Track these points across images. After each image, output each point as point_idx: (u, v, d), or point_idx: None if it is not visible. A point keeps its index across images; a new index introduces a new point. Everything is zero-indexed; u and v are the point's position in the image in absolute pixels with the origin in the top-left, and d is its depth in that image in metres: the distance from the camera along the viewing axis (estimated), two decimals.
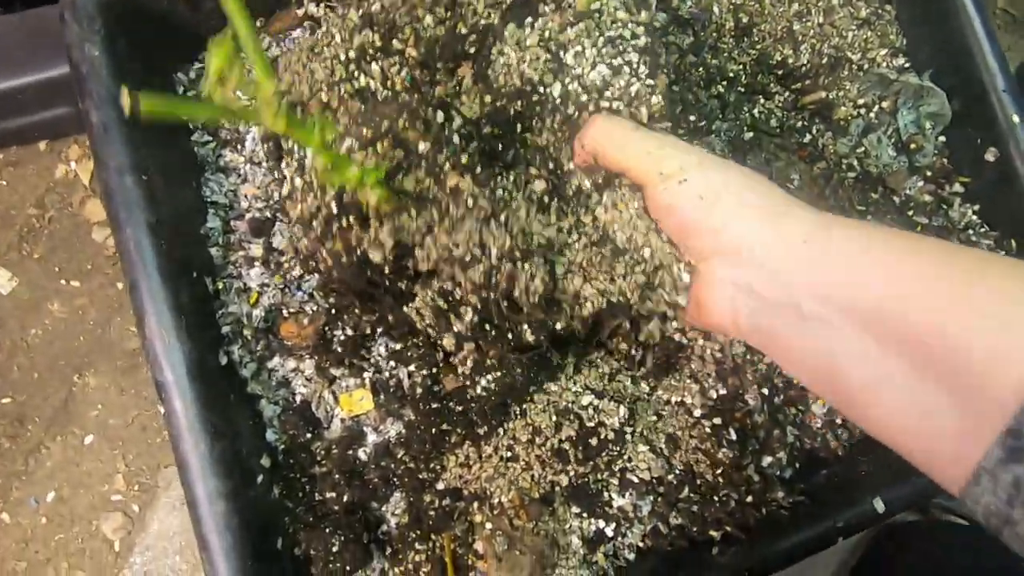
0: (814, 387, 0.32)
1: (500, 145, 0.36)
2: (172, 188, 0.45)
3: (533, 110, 0.37)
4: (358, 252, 0.35)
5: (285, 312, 0.46)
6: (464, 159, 0.34)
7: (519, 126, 0.37)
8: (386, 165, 0.33)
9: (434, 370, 0.44)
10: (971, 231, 0.60)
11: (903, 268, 0.27)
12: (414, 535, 0.44)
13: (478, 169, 0.34)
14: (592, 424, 0.44)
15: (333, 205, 0.34)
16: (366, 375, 0.46)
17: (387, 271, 0.36)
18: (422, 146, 0.33)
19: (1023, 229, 0.58)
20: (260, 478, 0.43)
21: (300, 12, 0.51)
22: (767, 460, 0.50)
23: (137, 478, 0.59)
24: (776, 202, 0.31)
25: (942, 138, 0.61)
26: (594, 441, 0.44)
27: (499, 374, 0.42)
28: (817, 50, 0.59)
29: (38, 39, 0.55)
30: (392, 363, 0.45)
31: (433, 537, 0.44)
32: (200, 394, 0.40)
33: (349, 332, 0.45)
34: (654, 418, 0.46)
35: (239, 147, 0.49)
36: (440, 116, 0.35)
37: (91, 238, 0.61)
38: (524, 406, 0.44)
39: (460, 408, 0.43)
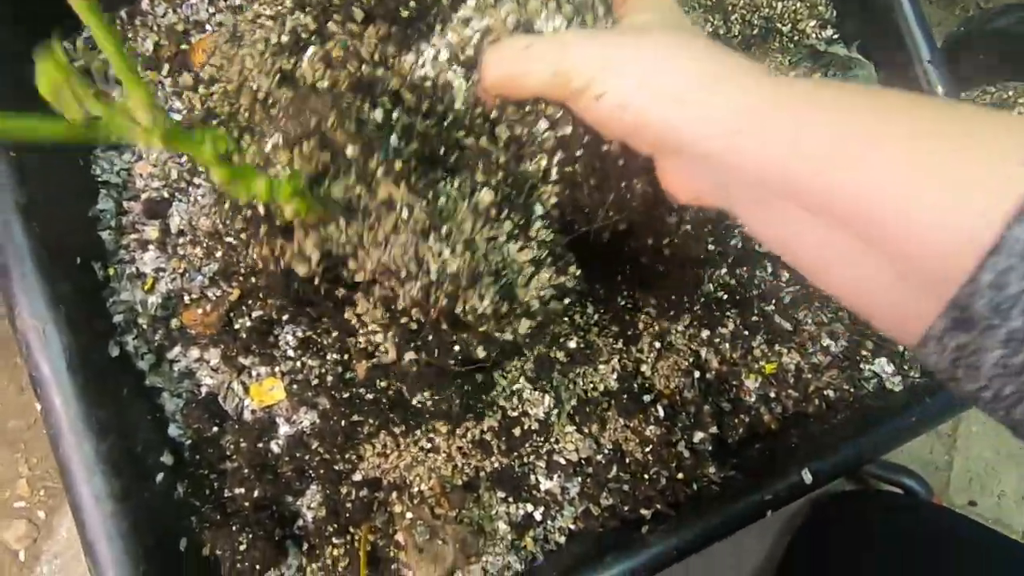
0: (780, 255, 0.30)
1: (442, 148, 0.33)
2: (53, 166, 0.41)
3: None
4: (282, 263, 0.32)
5: (186, 298, 0.43)
6: (398, 165, 0.30)
7: (459, 127, 0.33)
8: (312, 169, 0.29)
9: (346, 356, 0.42)
10: None
11: (830, 132, 0.24)
12: (331, 529, 0.42)
13: (414, 177, 0.31)
14: (516, 414, 0.43)
15: (255, 210, 0.31)
16: (277, 363, 0.43)
17: (316, 282, 0.32)
18: (351, 149, 0.30)
19: None
20: (160, 476, 0.40)
21: None
22: (699, 436, 0.49)
23: (42, 482, 0.55)
24: (700, 78, 0.27)
25: None
26: (517, 431, 0.43)
27: (433, 392, 0.39)
28: (747, 21, 0.58)
29: None
30: (302, 350, 0.42)
31: (352, 530, 0.42)
32: (83, 389, 0.37)
33: (256, 317, 0.42)
34: (579, 398, 0.45)
35: None
36: (378, 115, 0.31)
37: None
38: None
39: (376, 396, 0.41)
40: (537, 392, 0.44)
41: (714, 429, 0.50)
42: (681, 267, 0.49)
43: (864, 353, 0.55)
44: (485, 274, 0.31)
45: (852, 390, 0.55)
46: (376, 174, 0.30)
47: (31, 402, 0.56)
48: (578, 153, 0.32)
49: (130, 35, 0.47)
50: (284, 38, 0.34)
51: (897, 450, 0.80)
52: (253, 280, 0.41)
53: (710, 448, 0.50)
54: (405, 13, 0.34)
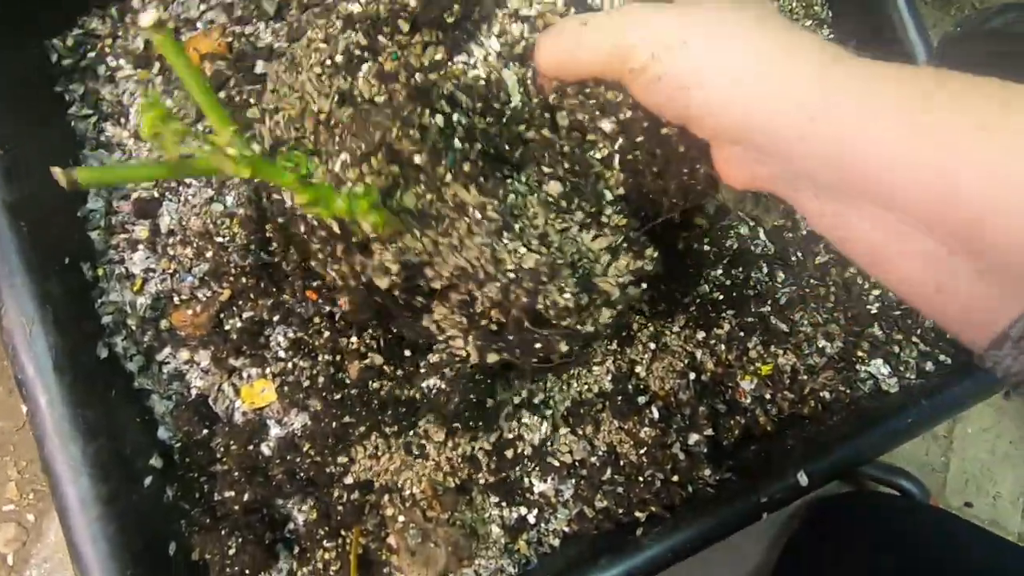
0: (835, 244, 0.29)
1: (506, 144, 0.33)
2: (43, 164, 0.41)
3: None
4: (363, 279, 0.32)
5: (175, 299, 0.42)
6: (467, 167, 0.30)
7: (519, 122, 0.33)
8: (383, 182, 0.29)
9: (338, 357, 0.41)
10: None
11: (907, 130, 0.22)
12: (323, 532, 0.41)
13: (482, 178, 0.30)
14: (511, 436, 0.42)
15: (330, 230, 0.31)
16: (268, 365, 0.42)
17: (398, 293, 0.32)
18: (418, 158, 0.29)
19: None
20: (149, 479, 0.39)
21: None
22: (694, 438, 0.49)
23: (31, 485, 0.55)
24: (768, 62, 0.25)
25: None
26: (510, 454, 0.42)
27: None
28: None
29: None
30: (294, 351, 0.42)
31: (343, 533, 0.42)
32: (70, 390, 0.36)
33: (247, 318, 0.42)
34: (573, 399, 0.45)
35: (122, 120, 0.45)
36: (439, 120, 0.30)
37: None
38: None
39: (367, 397, 0.41)
40: (536, 417, 0.43)
41: (709, 431, 0.50)
42: (678, 266, 0.49)
43: (860, 354, 0.55)
44: (563, 266, 0.30)
45: (848, 391, 0.55)
46: (445, 179, 0.30)
47: (20, 404, 0.55)
48: (638, 139, 0.31)
49: (120, 32, 0.47)
50: (339, 58, 0.33)
51: (893, 452, 0.79)
52: (244, 281, 0.41)
53: (705, 450, 0.50)
54: (451, 18, 0.34)
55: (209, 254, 0.42)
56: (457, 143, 0.30)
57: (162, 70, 0.46)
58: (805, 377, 0.54)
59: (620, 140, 0.32)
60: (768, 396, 0.53)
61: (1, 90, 0.40)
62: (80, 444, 0.35)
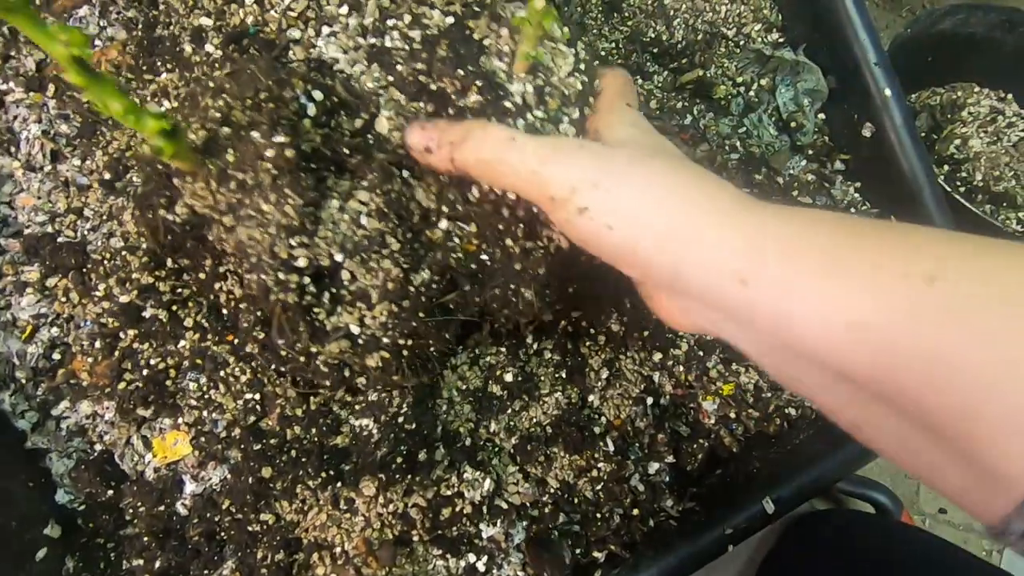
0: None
1: (347, 150, 0.29)
2: None
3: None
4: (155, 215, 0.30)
5: (73, 347, 0.38)
6: (289, 152, 0.27)
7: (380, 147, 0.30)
8: (201, 127, 0.27)
9: (257, 402, 0.37)
10: (853, 209, 0.58)
11: (841, 289, 0.22)
12: None
13: (303, 173, 0.28)
14: (449, 493, 0.38)
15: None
16: (180, 415, 0.38)
17: (184, 234, 0.30)
18: (254, 132, 0.27)
19: (900, 205, 0.57)
20: (43, 552, 0.35)
21: None
22: (654, 467, 0.46)
23: None
24: (697, 212, 0.25)
25: (821, 115, 0.60)
26: (447, 512, 0.38)
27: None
28: (691, 26, 0.56)
29: None
30: (207, 397, 0.38)
31: None
32: None
33: (154, 365, 0.38)
34: (520, 435, 0.41)
35: (13, 150, 0.41)
36: (299, 98, 0.28)
37: None
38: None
39: (288, 446, 0.37)
40: (479, 472, 0.40)
41: (671, 458, 0.47)
42: (629, 287, 0.46)
43: None
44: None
45: (813, 408, 0.53)
46: (264, 152, 0.27)
47: None
48: (483, 231, 0.31)
49: (11, 52, 0.43)
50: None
51: (873, 467, 0.78)
52: (149, 320, 0.37)
53: (667, 479, 0.47)
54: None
55: (108, 294, 0.37)
56: (306, 125, 0.28)
57: (57, 91, 0.42)
58: (769, 394, 0.52)
59: (472, 226, 0.30)
60: (733, 415, 0.51)
61: None
62: None
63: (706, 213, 0.25)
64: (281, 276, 0.26)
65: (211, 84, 0.27)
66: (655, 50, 0.56)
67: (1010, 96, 0.73)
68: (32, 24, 0.20)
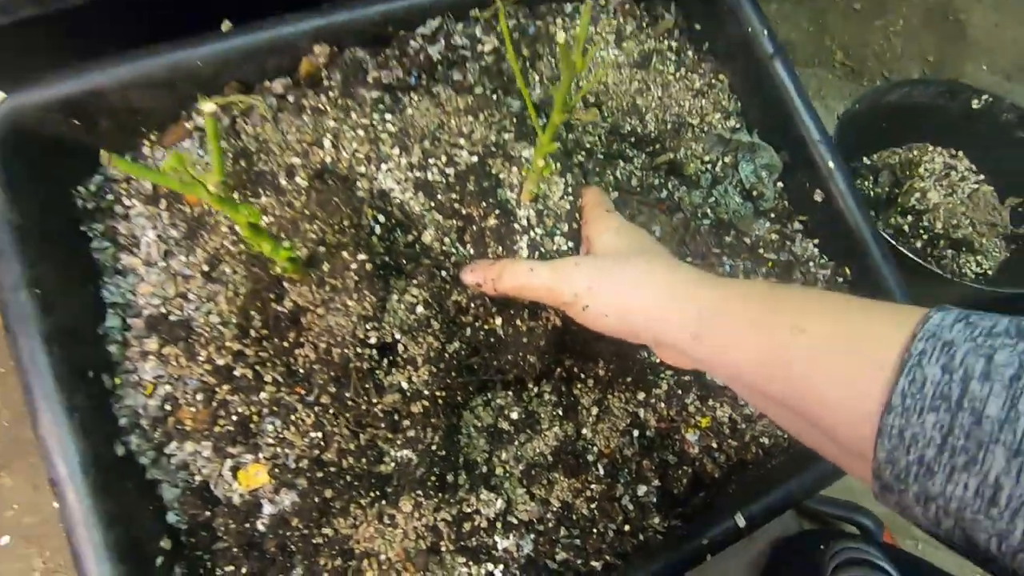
0: None
1: (403, 259, 0.42)
2: (70, 295, 0.49)
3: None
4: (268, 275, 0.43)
5: (180, 400, 0.50)
6: (369, 266, 0.40)
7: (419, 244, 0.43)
8: (308, 250, 0.40)
9: (320, 440, 0.48)
10: (811, 263, 0.68)
11: (753, 341, 0.33)
12: None
13: (375, 279, 0.41)
14: (469, 510, 0.48)
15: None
16: (260, 451, 0.49)
17: (281, 319, 0.42)
18: (345, 252, 0.40)
19: (853, 259, 0.66)
20: (160, 560, 0.46)
21: (189, 125, 0.57)
22: (642, 489, 0.55)
23: (55, 575, 0.60)
24: (663, 296, 0.37)
25: (780, 184, 0.70)
26: (467, 526, 0.48)
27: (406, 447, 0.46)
28: (661, 119, 0.68)
29: None
30: (281, 436, 0.49)
31: None
32: (94, 486, 0.43)
33: (241, 413, 0.49)
34: (527, 462, 0.51)
35: (135, 250, 0.54)
36: (370, 222, 0.41)
37: (3, 341, 0.64)
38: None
39: (343, 472, 0.47)
40: (492, 494, 0.49)
41: (657, 482, 0.56)
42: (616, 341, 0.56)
43: None
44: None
45: (785, 436, 0.61)
46: (350, 265, 0.39)
47: (44, 499, 0.62)
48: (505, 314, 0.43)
49: (130, 176, 0.56)
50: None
51: (857, 489, 0.84)
52: (237, 379, 0.49)
53: (655, 500, 0.55)
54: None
55: (207, 358, 0.49)
56: (374, 241, 0.40)
57: (168, 205, 0.55)
58: (744, 426, 0.60)
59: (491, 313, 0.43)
60: (715, 445, 0.59)
61: (37, 239, 0.49)
62: (102, 533, 0.42)
63: (670, 297, 0.38)
64: (359, 350, 0.38)
65: (307, 212, 0.39)
66: (632, 139, 0.68)
67: (961, 153, 0.82)
68: (230, 206, 0.32)
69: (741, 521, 0.53)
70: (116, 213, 0.55)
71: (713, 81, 0.71)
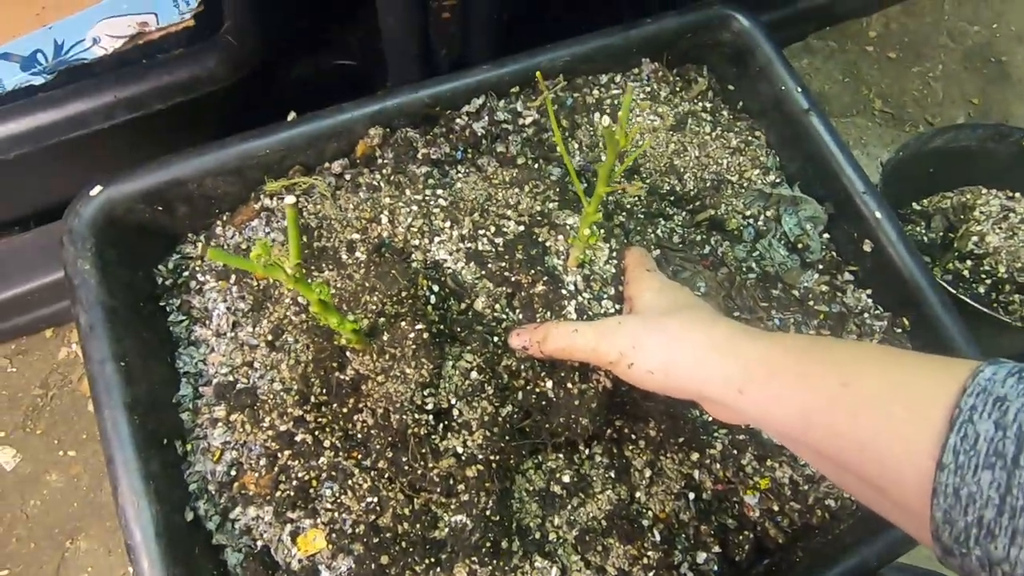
0: None
1: (458, 328, 0.45)
2: (150, 366, 0.53)
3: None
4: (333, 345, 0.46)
5: (245, 465, 0.52)
6: (426, 335, 0.42)
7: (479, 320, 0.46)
8: (366, 322, 0.43)
9: (375, 505, 0.49)
10: (866, 314, 0.66)
11: (798, 395, 0.33)
12: None
13: (432, 346, 0.43)
14: None
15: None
16: (318, 516, 0.51)
17: (343, 386, 0.44)
18: (403, 321, 0.43)
19: (910, 309, 0.64)
20: None
21: (257, 206, 0.62)
22: (702, 556, 0.53)
23: None
24: (704, 351, 0.37)
25: (826, 235, 0.70)
26: None
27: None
28: (699, 177, 0.69)
29: (47, 249, 0.66)
30: (339, 501, 0.50)
31: None
32: (165, 552, 0.45)
33: (300, 478, 0.51)
34: (580, 527, 0.50)
35: (207, 322, 0.58)
36: (432, 297, 0.44)
37: (87, 410, 0.69)
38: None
39: (399, 539, 0.48)
40: (547, 562, 0.49)
41: (717, 548, 0.53)
42: (667, 400, 0.56)
43: None
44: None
45: (853, 498, 0.58)
46: (408, 335, 0.41)
47: (117, 562, 0.64)
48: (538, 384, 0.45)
49: (205, 256, 0.61)
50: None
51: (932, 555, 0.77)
52: (300, 441, 0.51)
53: (715, 567, 0.53)
54: None
55: (270, 424, 0.52)
56: (429, 310, 0.41)
57: (237, 279, 0.59)
58: (806, 487, 0.57)
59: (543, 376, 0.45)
60: (776, 508, 0.57)
61: (123, 314, 0.53)
62: None
63: (712, 350, 0.38)
64: (416, 416, 0.39)
65: (367, 284, 0.42)
66: (672, 198, 0.69)
67: (1018, 194, 0.80)
68: (304, 286, 0.35)
69: None
70: (191, 288, 0.60)
71: (750, 138, 0.72)
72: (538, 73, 0.44)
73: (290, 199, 0.31)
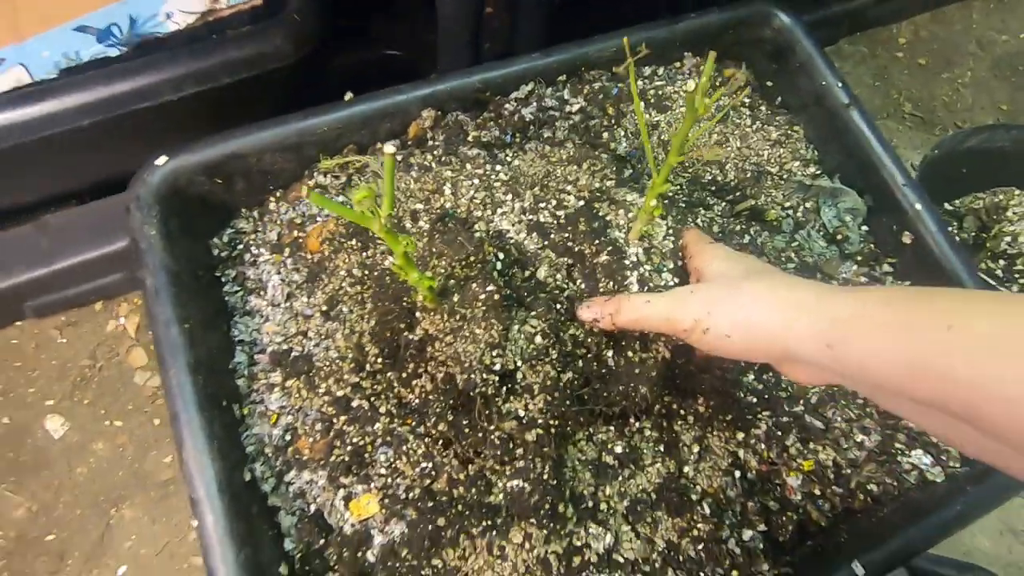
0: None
1: (524, 292, 0.46)
2: (208, 332, 0.55)
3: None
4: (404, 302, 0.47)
5: (300, 431, 0.53)
6: (496, 296, 0.43)
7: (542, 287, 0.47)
8: (442, 282, 0.44)
9: (430, 470, 0.50)
10: None
11: (902, 344, 0.32)
12: None
13: (501, 308, 0.44)
14: (579, 544, 0.48)
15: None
16: (372, 481, 0.51)
17: (409, 347, 0.45)
18: (473, 283, 0.44)
19: None
20: None
21: (311, 183, 0.64)
22: (748, 534, 0.53)
23: None
24: (786, 309, 0.37)
25: (864, 227, 0.71)
26: (577, 560, 0.48)
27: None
28: (740, 168, 0.71)
29: (101, 223, 0.68)
30: (393, 466, 0.51)
31: None
32: (228, 508, 0.46)
33: (355, 443, 0.52)
34: (631, 499, 0.51)
35: (262, 293, 0.59)
36: (499, 264, 0.46)
37: (133, 382, 0.70)
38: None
39: (454, 504, 0.49)
40: (600, 528, 0.49)
41: (762, 527, 0.54)
42: (713, 376, 0.57)
43: (899, 446, 0.59)
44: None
45: (895, 483, 0.58)
46: (479, 296, 0.42)
47: (161, 531, 0.65)
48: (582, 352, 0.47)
49: (259, 229, 0.63)
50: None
51: (975, 551, 0.78)
52: (356, 407, 0.51)
53: (761, 546, 0.53)
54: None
55: (327, 390, 0.53)
56: (495, 275, 0.42)
57: (291, 252, 0.61)
58: (849, 471, 0.58)
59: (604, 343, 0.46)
60: (818, 492, 0.57)
61: (185, 280, 0.55)
62: (234, 552, 0.44)
63: (797, 309, 0.37)
64: (484, 376, 0.40)
65: (433, 249, 0.44)
66: (713, 188, 0.71)
67: None
68: (392, 237, 0.36)
69: (859, 569, 0.50)
70: (245, 260, 0.61)
71: (789, 132, 0.73)
72: (624, 40, 0.45)
73: (390, 148, 0.32)
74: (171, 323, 0.51)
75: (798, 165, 0.71)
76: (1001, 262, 0.79)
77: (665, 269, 0.46)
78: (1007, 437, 0.28)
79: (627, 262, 0.45)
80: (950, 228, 0.84)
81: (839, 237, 0.70)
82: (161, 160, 0.57)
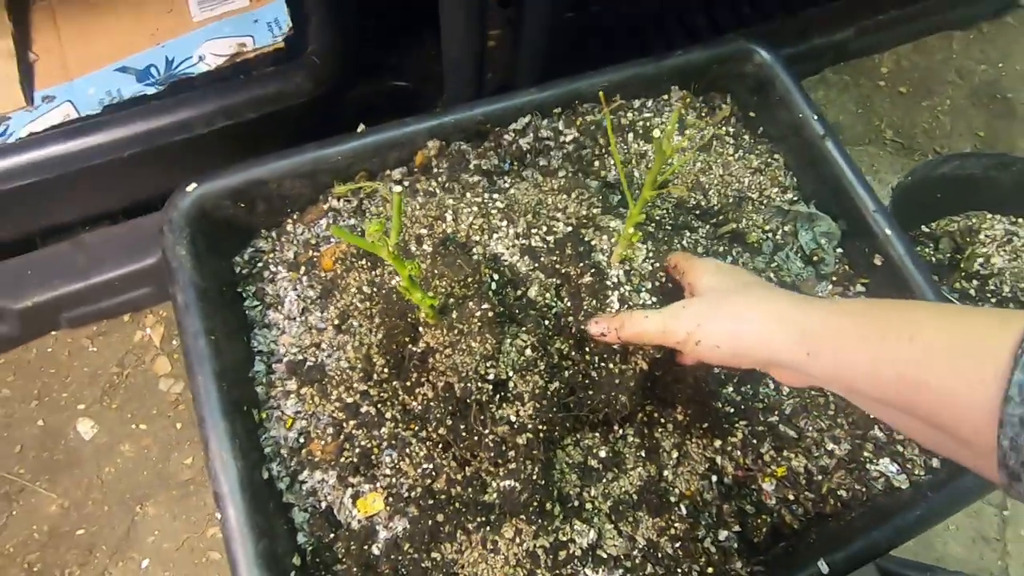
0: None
1: (516, 310, 0.51)
2: (230, 343, 0.60)
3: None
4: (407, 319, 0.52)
5: (312, 434, 0.58)
6: (490, 314, 0.48)
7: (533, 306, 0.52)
8: (441, 300, 0.49)
9: (431, 471, 0.55)
10: None
11: (865, 353, 0.36)
12: None
13: (494, 324, 0.49)
14: (565, 539, 0.53)
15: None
16: (378, 481, 0.56)
17: (412, 359, 0.50)
18: (471, 302, 0.49)
19: None
20: (292, 575, 0.52)
21: (325, 207, 0.70)
22: (723, 534, 0.57)
23: None
24: (770, 321, 0.41)
25: (839, 250, 0.75)
26: (563, 554, 0.52)
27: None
28: (723, 194, 0.76)
29: (132, 242, 0.74)
30: (397, 467, 0.56)
31: None
32: (248, 503, 0.51)
33: (363, 446, 0.57)
34: (614, 499, 0.55)
35: (279, 307, 0.65)
36: (487, 279, 0.51)
37: (158, 388, 0.75)
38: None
39: (453, 502, 0.53)
40: (584, 525, 0.54)
41: (737, 528, 0.58)
42: (687, 386, 0.61)
43: (867, 455, 0.63)
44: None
45: (863, 489, 0.63)
46: (475, 314, 0.47)
47: (181, 527, 0.70)
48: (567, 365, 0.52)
49: (277, 248, 0.69)
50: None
51: (948, 557, 0.82)
52: (364, 412, 0.57)
53: (736, 545, 0.58)
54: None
55: (338, 397, 0.58)
56: (490, 294, 0.48)
57: (306, 270, 0.66)
58: (820, 478, 0.62)
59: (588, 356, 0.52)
60: (791, 496, 0.62)
61: (211, 295, 0.60)
62: (253, 543, 0.49)
63: (778, 320, 0.42)
64: (480, 385, 0.45)
65: (435, 271, 0.49)
66: (697, 212, 0.76)
67: (1021, 220, 0.85)
68: (399, 262, 0.42)
69: (824, 568, 0.54)
70: (265, 277, 0.67)
71: (769, 160, 0.79)
72: (600, 93, 0.51)
73: (397, 188, 0.38)
74: (199, 335, 0.56)
75: (777, 191, 0.77)
76: (974, 282, 0.84)
77: (644, 289, 0.52)
78: (952, 430, 0.31)
79: (608, 283, 0.51)
80: (927, 249, 0.89)
81: (815, 259, 0.75)
82: (191, 187, 0.63)
